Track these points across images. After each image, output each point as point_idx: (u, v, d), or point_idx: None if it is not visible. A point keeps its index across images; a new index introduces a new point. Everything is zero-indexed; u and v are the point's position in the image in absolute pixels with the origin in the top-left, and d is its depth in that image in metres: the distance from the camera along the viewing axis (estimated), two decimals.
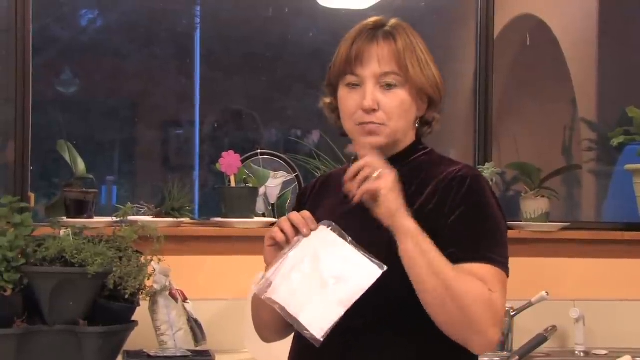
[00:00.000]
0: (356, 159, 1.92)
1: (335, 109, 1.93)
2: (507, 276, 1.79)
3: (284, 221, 1.78)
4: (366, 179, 1.72)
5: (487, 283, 1.73)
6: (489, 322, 1.71)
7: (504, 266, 1.78)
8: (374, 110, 1.83)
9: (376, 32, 1.86)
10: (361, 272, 1.70)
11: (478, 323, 1.71)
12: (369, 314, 1.76)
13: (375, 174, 1.71)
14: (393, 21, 1.89)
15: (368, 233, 1.78)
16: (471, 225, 1.78)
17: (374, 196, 1.72)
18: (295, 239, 1.76)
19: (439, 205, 1.79)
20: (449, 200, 1.79)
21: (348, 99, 1.87)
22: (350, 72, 1.85)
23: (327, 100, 1.96)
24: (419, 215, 1.76)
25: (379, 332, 1.78)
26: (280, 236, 1.77)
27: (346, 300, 1.68)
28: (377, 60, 1.84)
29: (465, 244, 1.76)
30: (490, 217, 1.80)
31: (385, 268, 1.69)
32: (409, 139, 1.91)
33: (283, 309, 1.70)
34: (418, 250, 1.70)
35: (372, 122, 1.84)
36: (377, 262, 1.70)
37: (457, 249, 1.74)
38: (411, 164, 1.89)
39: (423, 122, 1.93)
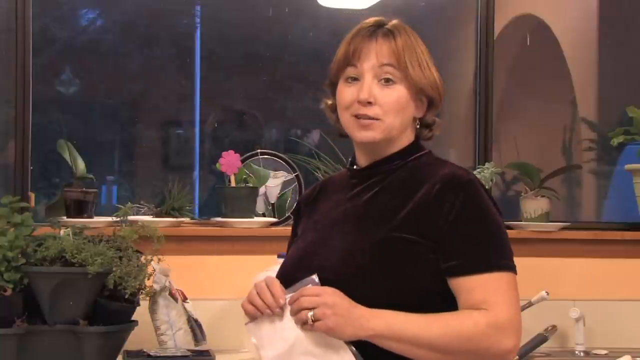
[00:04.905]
0: (353, 161, 1.93)
1: (335, 109, 1.91)
2: (515, 272, 1.77)
3: (254, 297, 1.80)
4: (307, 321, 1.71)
5: (487, 300, 1.72)
6: (496, 342, 1.72)
7: (507, 266, 1.77)
8: (370, 103, 1.81)
9: (376, 30, 1.85)
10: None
11: (486, 351, 1.72)
12: None
13: (311, 316, 1.69)
14: (394, 22, 1.88)
15: (355, 237, 1.80)
16: (471, 235, 1.76)
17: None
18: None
19: (433, 213, 1.76)
20: (444, 208, 1.75)
21: (345, 92, 1.85)
22: (348, 65, 1.84)
23: (329, 101, 1.94)
24: (409, 220, 1.76)
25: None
26: (252, 310, 1.81)
27: None
28: (376, 55, 1.82)
29: (467, 255, 1.74)
30: (488, 221, 1.78)
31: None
32: (407, 139, 1.88)
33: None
34: (395, 342, 1.70)
35: (367, 116, 1.81)
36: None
37: (459, 261, 1.74)
38: (408, 165, 1.87)
39: (423, 124, 1.90)
